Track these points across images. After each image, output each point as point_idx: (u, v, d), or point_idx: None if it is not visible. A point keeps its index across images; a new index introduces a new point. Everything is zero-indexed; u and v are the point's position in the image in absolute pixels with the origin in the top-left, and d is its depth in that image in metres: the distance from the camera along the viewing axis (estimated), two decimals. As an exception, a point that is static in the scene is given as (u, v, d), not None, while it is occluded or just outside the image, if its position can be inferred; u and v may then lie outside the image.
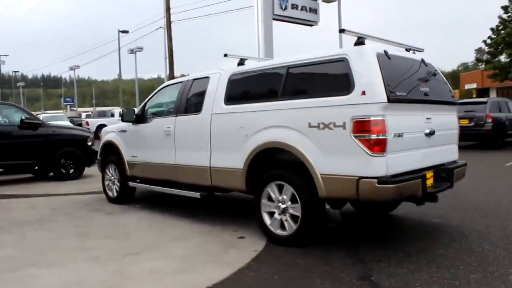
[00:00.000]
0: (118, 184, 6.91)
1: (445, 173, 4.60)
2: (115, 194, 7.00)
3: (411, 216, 5.59)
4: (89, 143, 10.44)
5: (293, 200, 4.42)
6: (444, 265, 3.80)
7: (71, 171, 10.11)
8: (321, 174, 4.13)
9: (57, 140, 9.86)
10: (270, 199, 4.64)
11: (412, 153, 4.19)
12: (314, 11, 20.54)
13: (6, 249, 4.61)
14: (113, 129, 7.16)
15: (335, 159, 4.05)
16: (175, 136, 5.69)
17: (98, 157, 7.47)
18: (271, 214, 4.65)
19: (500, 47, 27.64)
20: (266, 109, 4.63)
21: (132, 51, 43.28)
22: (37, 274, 3.81)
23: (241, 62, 5.31)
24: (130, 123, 6.57)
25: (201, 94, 5.56)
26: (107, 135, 7.25)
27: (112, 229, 5.31)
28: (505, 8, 28.35)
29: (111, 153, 7.13)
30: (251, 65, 5.26)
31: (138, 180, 6.61)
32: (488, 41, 28.96)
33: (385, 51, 4.18)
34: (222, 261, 4.08)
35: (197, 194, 5.36)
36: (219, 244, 4.58)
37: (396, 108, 3.95)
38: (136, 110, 6.63)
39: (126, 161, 6.68)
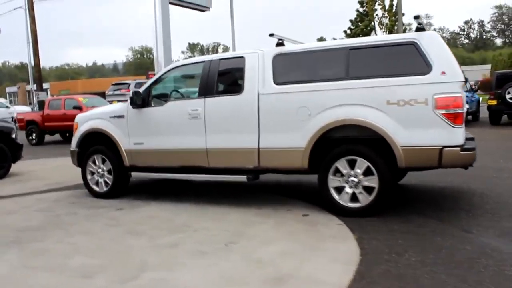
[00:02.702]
0: (110, 176, 6.23)
1: None
2: (105, 188, 6.31)
3: (414, 183, 6.31)
4: (13, 136, 8.99)
5: (366, 173, 4.70)
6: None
7: (-5, 169, 8.60)
8: (401, 147, 4.49)
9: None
10: (338, 174, 4.83)
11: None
12: (207, -4, 20.53)
13: (79, 257, 3.91)
14: (99, 115, 6.39)
15: (416, 132, 4.46)
16: (206, 119, 5.41)
17: (74, 149, 6.59)
18: (339, 189, 4.85)
19: (359, 37, 31.24)
20: (334, 88, 4.77)
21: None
22: (168, 278, 3.41)
23: (281, 43, 5.30)
24: (129, 108, 5.98)
25: (237, 75, 5.40)
26: (88, 123, 6.44)
27: (161, 224, 4.85)
28: (361, 3, 32.01)
29: (97, 142, 6.38)
30: (295, 46, 5.30)
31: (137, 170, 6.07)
32: (348, 31, 32.39)
33: None
34: (325, 249, 4.05)
35: (243, 178, 5.23)
36: (297, 226, 4.59)
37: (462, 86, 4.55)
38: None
39: (124, 150, 6.06)
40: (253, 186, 6.35)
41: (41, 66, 25.91)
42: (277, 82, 5.07)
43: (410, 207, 5.07)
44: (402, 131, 4.49)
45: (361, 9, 33.00)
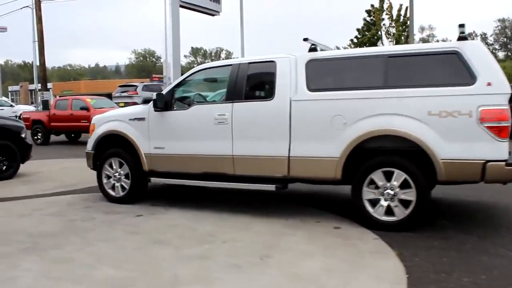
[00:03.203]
0: (127, 181, 6.01)
1: None
2: (122, 193, 6.07)
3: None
4: (23, 135, 8.76)
5: (403, 186, 4.48)
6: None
7: (4, 168, 8.37)
8: (442, 160, 4.28)
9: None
10: (372, 186, 4.62)
11: None
12: (217, 0, 20.43)
13: (104, 267, 3.68)
14: (118, 117, 6.17)
15: (458, 145, 4.25)
16: (233, 124, 5.20)
17: (90, 151, 6.36)
18: (373, 201, 4.64)
19: (365, 46, 31.09)
20: (373, 96, 4.57)
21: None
22: None
23: (314, 48, 5.10)
24: (151, 110, 5.76)
25: (268, 80, 5.20)
26: (106, 125, 6.22)
27: (185, 233, 4.62)
28: (368, 12, 31.93)
29: (114, 145, 6.16)
30: (330, 52, 5.11)
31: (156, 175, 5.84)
32: (355, 40, 32.29)
33: None
34: (366, 266, 3.79)
35: (271, 187, 5.00)
36: (331, 240, 4.37)
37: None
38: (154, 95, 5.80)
39: (143, 154, 5.84)
40: (276, 195, 6.11)
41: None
42: (310, 89, 4.86)
43: (445, 222, 4.85)
44: (444, 143, 4.28)
45: (368, 18, 32.87)
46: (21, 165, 8.71)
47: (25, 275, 3.49)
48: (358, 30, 32.33)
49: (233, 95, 5.27)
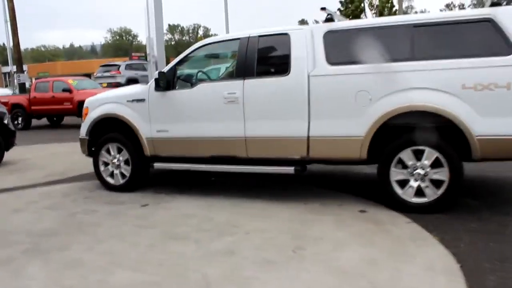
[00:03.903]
0: (127, 167, 5.57)
1: None
2: (122, 181, 5.64)
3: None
4: (6, 121, 8.17)
5: (434, 165, 4.18)
6: None
7: (-14, 158, 7.81)
8: (477, 136, 3.97)
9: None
10: (400, 166, 4.31)
11: None
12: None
13: (121, 271, 3.28)
14: (114, 99, 5.67)
15: (495, 120, 3.94)
16: (245, 103, 4.78)
17: (84, 136, 5.87)
18: (401, 182, 4.33)
19: (349, 18, 30.64)
20: (401, 69, 4.19)
21: None
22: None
23: (331, 18, 4.68)
24: (151, 91, 5.29)
25: (281, 54, 4.77)
26: (101, 108, 5.72)
27: (202, 224, 4.23)
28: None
29: (111, 129, 5.69)
30: (349, 23, 4.69)
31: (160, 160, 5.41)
32: (338, 13, 31.78)
33: None
34: (410, 255, 3.55)
35: (290, 169, 4.64)
36: (361, 226, 4.05)
37: None
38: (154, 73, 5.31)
39: (144, 138, 5.39)
40: (287, 177, 5.74)
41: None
42: (331, 63, 4.46)
43: (472, 201, 4.57)
44: (480, 119, 3.96)
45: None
46: (6, 152, 8.13)
47: (31, 285, 3.06)
48: (340, 2, 31.88)
49: (243, 72, 4.83)
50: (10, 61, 29.67)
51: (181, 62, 5.28)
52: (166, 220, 4.37)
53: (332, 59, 4.47)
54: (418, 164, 4.23)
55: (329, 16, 4.66)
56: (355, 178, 5.89)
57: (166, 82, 5.13)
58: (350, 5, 34.42)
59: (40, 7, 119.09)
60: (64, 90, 14.21)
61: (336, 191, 5.16)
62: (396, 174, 4.33)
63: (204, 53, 5.56)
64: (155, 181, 6.03)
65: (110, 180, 5.72)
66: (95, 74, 20.58)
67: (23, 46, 26.26)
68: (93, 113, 5.78)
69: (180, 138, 5.18)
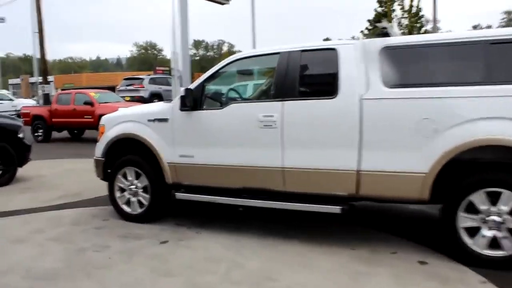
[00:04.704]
0: (146, 195, 4.94)
1: None
2: (139, 210, 5.02)
3: None
4: (21, 135, 7.69)
5: (514, 211, 3.43)
6: None
7: (-1, 173, 7.32)
8: None
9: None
10: (471, 210, 3.56)
11: None
12: (227, -12, 19.32)
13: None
14: (133, 117, 5.09)
15: None
16: (284, 128, 4.12)
17: (100, 157, 5.29)
18: (471, 230, 3.59)
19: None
20: (473, 95, 3.49)
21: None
22: None
23: (386, 33, 4.02)
24: (176, 109, 4.68)
25: (328, 72, 4.12)
26: (119, 127, 5.14)
27: (233, 272, 3.56)
28: (379, 3, 30.70)
29: (129, 151, 5.10)
30: (410, 38, 4.01)
31: (182, 189, 4.77)
32: (366, 31, 31.10)
33: None
34: None
35: (336, 209, 3.93)
36: (426, 285, 3.31)
37: None
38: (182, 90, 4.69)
39: (166, 163, 4.77)
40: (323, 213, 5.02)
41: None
42: (388, 84, 3.78)
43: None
44: None
45: (379, 9, 31.67)
46: (19, 168, 7.64)
47: None
48: (369, 21, 31.14)
49: (282, 92, 4.18)
50: (36, 71, 29.86)
51: (210, 79, 4.67)
52: (188, 264, 3.71)
53: (389, 80, 3.79)
54: (494, 209, 3.49)
55: (384, 30, 4.00)
56: (405, 216, 5.13)
57: (193, 101, 4.53)
58: (378, 24, 33.78)
59: (69, 19, 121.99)
60: (86, 103, 13.84)
61: (385, 233, 4.42)
62: (464, 220, 3.60)
63: (236, 69, 4.94)
64: (176, 210, 5.38)
65: (126, 208, 5.11)
66: (118, 87, 20.29)
67: (51, 57, 26.32)
68: (110, 132, 5.21)
69: (206, 165, 4.55)
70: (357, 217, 4.95)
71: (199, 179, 4.64)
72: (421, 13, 31.70)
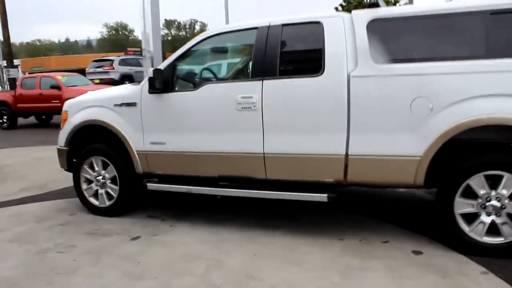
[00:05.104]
0: (115, 186, 4.54)
1: None
2: (108, 202, 4.62)
3: None
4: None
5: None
6: None
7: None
8: None
9: None
10: (469, 195, 3.30)
11: None
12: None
13: None
14: (98, 101, 4.63)
15: None
16: (264, 110, 3.75)
17: (63, 147, 4.83)
18: (468, 216, 3.33)
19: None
20: (472, 70, 3.18)
21: None
22: None
23: (376, 3, 3.65)
24: (145, 92, 4.26)
25: (312, 48, 3.75)
26: (84, 112, 4.68)
27: (213, 272, 3.23)
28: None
29: (96, 139, 4.66)
30: (402, 9, 3.65)
31: (154, 179, 4.39)
32: (339, 8, 30.76)
33: None
34: None
35: (322, 197, 3.61)
36: (424, 278, 3.05)
37: None
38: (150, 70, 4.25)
39: (135, 152, 4.36)
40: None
41: (11, 41, 23.36)
42: (378, 60, 3.43)
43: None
44: None
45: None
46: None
47: None
48: (336, 9, 30.79)
49: (262, 70, 3.80)
50: (0, 55, 28.45)
51: (182, 58, 4.24)
52: (163, 264, 3.34)
53: (380, 56, 3.45)
54: (493, 193, 3.23)
55: (373, 1, 3.63)
56: (394, 199, 4.87)
57: (163, 82, 4.10)
58: (352, 1, 33.39)
59: (36, 1, 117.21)
60: (52, 87, 13.15)
61: (374, 220, 4.15)
62: (462, 205, 3.33)
63: (210, 47, 4.52)
64: (148, 200, 4.98)
65: (94, 201, 4.70)
66: (87, 69, 19.45)
67: (17, 39, 24.98)
68: (73, 118, 4.75)
69: (180, 153, 4.15)
70: (344, 202, 4.66)
71: (172, 168, 4.25)
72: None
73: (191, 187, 4.12)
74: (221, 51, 5.21)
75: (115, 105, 4.44)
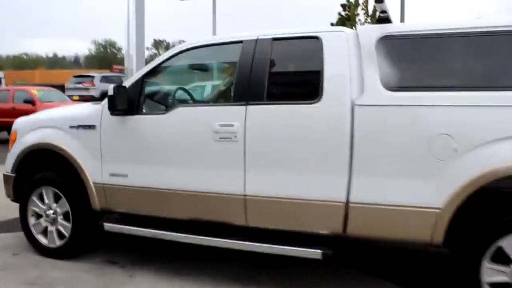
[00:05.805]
0: (67, 224, 3.79)
1: None
2: (59, 242, 3.86)
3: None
4: None
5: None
6: None
7: None
8: None
9: None
10: (500, 260, 2.63)
11: None
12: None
13: None
14: (52, 122, 3.91)
15: None
16: (247, 142, 3.07)
17: (10, 173, 4.08)
18: (498, 286, 2.65)
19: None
20: (508, 103, 2.55)
21: None
22: None
23: (387, 18, 3.04)
24: (105, 113, 3.55)
25: (308, 68, 3.12)
26: (35, 133, 3.96)
27: None
28: (343, 7, 30.30)
29: (47, 166, 3.93)
30: (418, 25, 3.03)
31: (114, 217, 3.65)
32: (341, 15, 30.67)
33: None
34: None
35: (316, 253, 2.91)
36: None
37: None
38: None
39: (92, 184, 3.62)
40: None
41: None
42: (389, 86, 2.78)
43: None
44: None
45: (343, 13, 31.31)
46: None
47: None
48: (332, 24, 30.76)
49: (246, 93, 3.13)
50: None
51: (152, 73, 3.56)
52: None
53: (391, 81, 2.80)
54: (531, 259, 2.56)
55: (383, 15, 3.02)
56: (401, 253, 4.16)
57: (127, 102, 3.39)
58: (375, 5, 33.26)
59: (24, 14, 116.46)
60: (26, 101, 12.36)
61: (379, 279, 3.43)
62: (491, 273, 2.65)
63: (187, 62, 3.86)
64: (110, 239, 4.21)
65: (42, 239, 3.94)
66: (66, 85, 18.69)
67: (3, 52, 24.24)
68: (23, 139, 4.01)
69: (144, 188, 3.43)
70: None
71: (135, 205, 3.53)
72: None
73: (156, 232, 3.40)
74: (201, 69, 4.55)
75: (71, 126, 3.72)
